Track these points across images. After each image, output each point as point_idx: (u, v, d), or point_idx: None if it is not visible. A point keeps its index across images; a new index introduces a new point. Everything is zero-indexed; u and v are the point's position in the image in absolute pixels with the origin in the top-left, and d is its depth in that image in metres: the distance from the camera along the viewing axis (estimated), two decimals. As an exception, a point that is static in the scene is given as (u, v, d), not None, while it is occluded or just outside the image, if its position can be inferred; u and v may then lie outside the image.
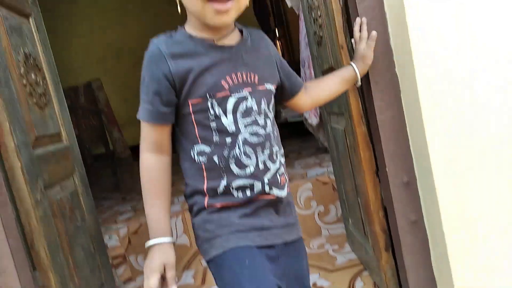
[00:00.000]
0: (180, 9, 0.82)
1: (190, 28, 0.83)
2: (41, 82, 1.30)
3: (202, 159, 0.82)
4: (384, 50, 1.05)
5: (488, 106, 0.95)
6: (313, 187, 2.00)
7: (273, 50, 0.93)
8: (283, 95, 0.95)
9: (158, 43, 0.80)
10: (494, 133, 0.96)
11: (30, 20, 1.35)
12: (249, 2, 0.83)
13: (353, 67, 1.03)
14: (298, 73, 1.86)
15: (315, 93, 1.01)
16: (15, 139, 1.07)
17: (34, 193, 1.11)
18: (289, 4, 2.19)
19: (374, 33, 1.03)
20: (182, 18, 0.84)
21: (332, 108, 1.43)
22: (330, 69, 1.29)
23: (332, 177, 1.93)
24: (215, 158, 0.81)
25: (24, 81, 1.18)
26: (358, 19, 1.05)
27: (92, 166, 4.75)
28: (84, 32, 5.10)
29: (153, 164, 0.84)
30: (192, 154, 0.83)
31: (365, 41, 1.03)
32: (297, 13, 2.22)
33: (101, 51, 5.52)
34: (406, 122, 1.07)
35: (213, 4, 0.74)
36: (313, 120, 2.18)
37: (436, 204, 0.98)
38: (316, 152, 2.55)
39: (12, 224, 1.05)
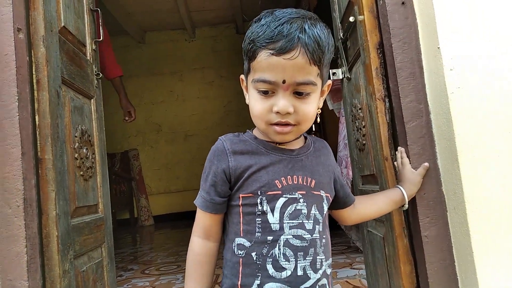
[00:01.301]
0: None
1: (257, 131, 0.89)
2: (90, 156, 1.36)
3: (241, 252, 0.82)
4: (431, 168, 1.06)
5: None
6: (341, 290, 1.88)
7: (333, 161, 0.95)
8: (334, 204, 0.95)
9: (224, 141, 0.86)
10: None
11: (92, 101, 1.47)
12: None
13: (401, 190, 1.04)
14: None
15: (362, 208, 1.01)
16: (57, 208, 1.09)
17: (63, 263, 1.11)
18: (330, 107, 2.27)
19: (426, 164, 1.06)
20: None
21: (371, 213, 1.40)
22: (371, 176, 1.30)
23: (364, 281, 1.82)
24: (253, 255, 0.81)
25: (76, 155, 1.24)
26: (399, 148, 1.11)
27: (114, 231, 4.74)
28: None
29: (199, 248, 0.87)
30: (233, 245, 0.84)
31: (407, 165, 1.06)
32: (337, 115, 2.29)
33: (142, 124, 5.82)
34: (452, 241, 1.02)
35: (274, 127, 0.81)
36: (346, 218, 2.13)
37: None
38: (347, 250, 2.45)
39: (36, 295, 1.03)
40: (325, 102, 2.34)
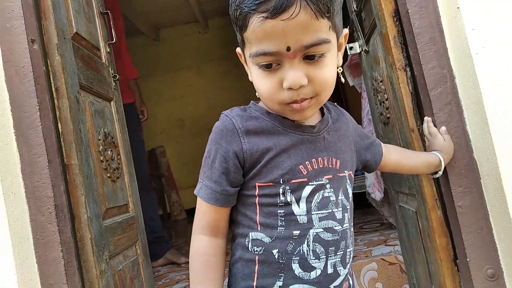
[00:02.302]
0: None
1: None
2: (115, 158, 1.38)
3: (258, 249, 0.71)
4: (460, 135, 1.02)
5: None
6: (379, 268, 1.86)
7: (352, 128, 0.85)
8: (367, 168, 0.90)
9: (232, 117, 0.72)
10: None
11: (112, 103, 1.48)
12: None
13: (438, 156, 0.98)
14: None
15: (399, 159, 0.95)
16: (88, 211, 1.12)
17: (99, 264, 1.13)
18: (350, 83, 2.21)
19: (443, 128, 1.01)
20: (246, 92, 0.80)
21: (401, 188, 1.36)
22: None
23: (400, 257, 1.79)
24: (274, 252, 0.70)
25: (102, 158, 1.27)
26: (426, 118, 1.05)
27: (150, 228, 4.86)
28: (154, 104, 5.51)
29: (206, 248, 0.73)
30: (246, 241, 0.73)
31: (438, 135, 1.00)
32: (359, 91, 2.23)
33: (166, 121, 5.89)
34: (488, 209, 0.98)
35: (290, 105, 0.68)
36: (377, 195, 2.08)
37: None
38: (380, 227, 2.41)
39: (77, 296, 1.06)
40: (345, 78, 2.29)
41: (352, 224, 0.78)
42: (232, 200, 0.74)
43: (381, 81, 1.33)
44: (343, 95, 4.13)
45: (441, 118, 1.04)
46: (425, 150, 1.07)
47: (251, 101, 0.78)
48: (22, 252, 0.98)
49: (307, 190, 0.71)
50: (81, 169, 1.13)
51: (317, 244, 0.70)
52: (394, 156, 0.95)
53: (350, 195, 0.77)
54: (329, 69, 0.66)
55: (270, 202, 0.71)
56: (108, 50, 1.59)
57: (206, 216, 0.74)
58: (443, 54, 1.06)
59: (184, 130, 6.03)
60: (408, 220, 1.35)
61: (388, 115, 1.32)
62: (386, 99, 1.29)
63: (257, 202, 0.72)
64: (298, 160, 0.71)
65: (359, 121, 2.25)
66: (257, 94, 0.72)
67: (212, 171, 0.72)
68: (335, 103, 0.87)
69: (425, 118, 1.06)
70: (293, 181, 0.70)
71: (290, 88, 0.65)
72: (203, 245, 0.74)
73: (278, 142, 0.71)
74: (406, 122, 1.13)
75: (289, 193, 0.70)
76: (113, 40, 1.64)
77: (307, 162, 0.71)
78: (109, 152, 1.33)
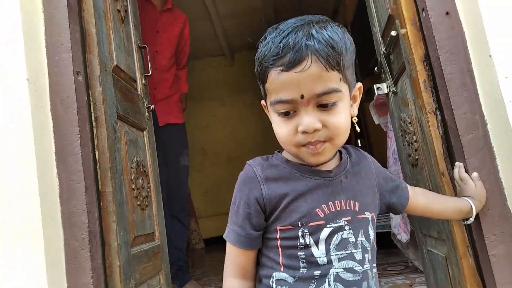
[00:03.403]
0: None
1: (287, 153, 0.80)
2: (146, 186, 1.42)
3: None
4: (493, 182, 1.01)
5: None
6: (403, 313, 1.80)
7: (374, 171, 0.87)
8: (393, 210, 0.91)
9: (254, 166, 0.79)
10: None
11: (145, 133, 1.54)
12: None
13: (469, 202, 0.98)
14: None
15: (428, 203, 0.96)
16: (118, 239, 1.14)
17: (125, 293, 1.15)
18: (376, 121, 2.22)
19: (475, 174, 1.02)
20: (267, 125, 0.83)
21: (429, 231, 1.34)
22: (428, 191, 1.25)
23: (426, 303, 1.72)
24: None
25: (133, 186, 1.30)
26: (457, 163, 1.05)
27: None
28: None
29: None
30: (270, 281, 0.76)
31: (469, 180, 1.01)
32: (384, 130, 2.24)
33: (189, 150, 5.98)
34: (523, 259, 0.96)
35: (305, 148, 0.73)
36: (403, 236, 2.04)
37: None
38: (405, 270, 2.34)
39: (103, 324, 1.07)
40: (370, 116, 2.30)
41: (374, 265, 0.79)
42: (256, 244, 0.79)
43: (409, 123, 1.34)
44: (366, 133, 4.12)
45: (473, 164, 1.04)
46: (455, 196, 1.06)
47: (275, 151, 0.84)
48: (54, 276, 1.01)
49: (325, 232, 0.74)
50: (115, 196, 1.16)
51: (338, 284, 0.72)
52: (422, 200, 0.96)
53: (372, 236, 0.79)
54: (341, 116, 0.72)
55: (290, 244, 0.75)
56: (144, 82, 1.67)
57: (235, 259, 0.79)
58: (474, 100, 1.07)
59: (206, 159, 6.09)
60: (437, 266, 1.32)
61: (416, 157, 1.32)
62: (415, 141, 1.29)
63: (279, 245, 0.76)
64: (315, 204, 0.75)
65: (383, 159, 2.25)
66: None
67: (237, 217, 0.78)
68: (358, 148, 0.90)
69: (456, 163, 1.06)
70: (311, 224, 0.74)
71: (305, 132, 0.71)
72: (234, 287, 0.78)
73: (294, 187, 0.76)
74: (436, 165, 1.13)
75: (308, 236, 0.74)
76: (149, 73, 1.71)
77: (323, 205, 0.75)
78: (140, 181, 1.37)
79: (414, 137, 1.30)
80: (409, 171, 1.47)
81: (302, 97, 0.69)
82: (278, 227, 0.75)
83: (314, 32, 0.69)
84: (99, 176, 1.16)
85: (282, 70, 0.69)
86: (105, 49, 1.33)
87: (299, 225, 0.74)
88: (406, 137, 1.40)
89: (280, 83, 0.70)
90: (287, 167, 0.78)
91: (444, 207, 0.98)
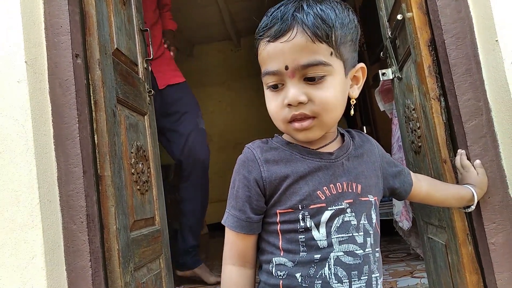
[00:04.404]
0: None
1: (288, 135, 0.79)
2: (146, 171, 1.41)
3: (281, 274, 0.73)
4: (495, 169, 0.99)
5: None
6: (403, 299, 1.80)
7: (378, 154, 0.85)
8: (396, 196, 0.90)
9: (253, 148, 0.77)
10: None
11: (145, 117, 1.53)
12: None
13: (471, 190, 0.96)
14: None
15: (430, 190, 0.94)
16: (117, 223, 1.14)
17: (124, 276, 1.15)
18: (381, 108, 2.19)
19: (478, 161, 0.99)
20: (264, 110, 0.82)
21: (430, 219, 1.32)
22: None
23: (426, 291, 1.73)
24: (298, 276, 0.72)
25: (133, 170, 1.30)
26: (459, 150, 1.03)
27: (170, 239, 4.90)
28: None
29: (236, 279, 0.77)
30: (270, 266, 0.75)
31: (471, 168, 0.99)
32: (389, 116, 2.21)
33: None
34: (523, 248, 0.94)
35: (292, 124, 0.72)
36: (404, 224, 2.03)
37: None
38: (406, 257, 2.34)
39: (101, 307, 1.08)
40: (376, 102, 2.27)
41: (378, 249, 0.78)
42: (256, 228, 0.77)
43: (413, 109, 1.32)
44: (373, 120, 4.08)
45: (475, 151, 1.02)
46: (457, 183, 1.04)
47: (275, 134, 0.82)
48: (53, 259, 1.02)
49: (326, 214, 0.73)
50: (113, 180, 1.16)
51: (338, 268, 0.71)
52: (424, 186, 0.95)
53: (374, 220, 0.78)
54: (329, 91, 0.70)
55: (291, 228, 0.73)
56: (145, 66, 1.65)
57: (234, 245, 0.78)
58: (479, 86, 1.04)
59: (212, 144, 6.10)
60: (437, 253, 1.31)
61: (419, 144, 1.30)
62: (418, 128, 1.27)
63: (279, 229, 0.75)
64: (316, 186, 0.74)
65: (388, 146, 2.22)
66: None
67: (236, 201, 0.77)
68: (361, 131, 0.89)
69: (459, 150, 1.04)
70: (311, 206, 0.73)
71: (290, 105, 0.70)
72: (233, 275, 0.77)
73: (295, 169, 0.74)
74: (438, 152, 1.11)
75: (309, 218, 0.73)
76: (150, 57, 1.70)
77: (325, 188, 0.74)
78: (140, 165, 1.37)
79: (418, 124, 1.28)
80: (412, 158, 1.45)
81: (286, 68, 0.69)
82: (278, 211, 0.74)
83: (305, 5, 0.69)
84: (98, 160, 1.16)
85: (269, 41, 0.70)
86: (105, 32, 1.31)
87: (300, 207, 0.73)
88: (409, 123, 1.38)
89: (266, 54, 0.71)
90: (288, 149, 0.77)
91: (446, 194, 0.97)
